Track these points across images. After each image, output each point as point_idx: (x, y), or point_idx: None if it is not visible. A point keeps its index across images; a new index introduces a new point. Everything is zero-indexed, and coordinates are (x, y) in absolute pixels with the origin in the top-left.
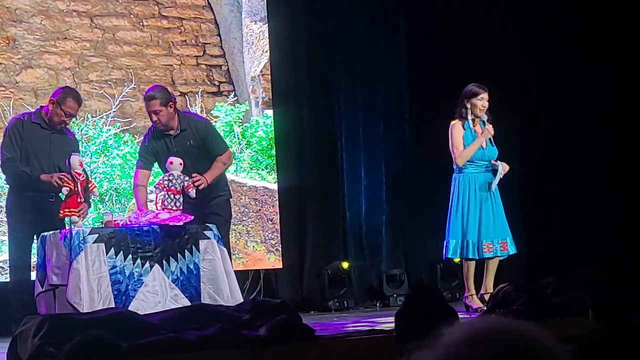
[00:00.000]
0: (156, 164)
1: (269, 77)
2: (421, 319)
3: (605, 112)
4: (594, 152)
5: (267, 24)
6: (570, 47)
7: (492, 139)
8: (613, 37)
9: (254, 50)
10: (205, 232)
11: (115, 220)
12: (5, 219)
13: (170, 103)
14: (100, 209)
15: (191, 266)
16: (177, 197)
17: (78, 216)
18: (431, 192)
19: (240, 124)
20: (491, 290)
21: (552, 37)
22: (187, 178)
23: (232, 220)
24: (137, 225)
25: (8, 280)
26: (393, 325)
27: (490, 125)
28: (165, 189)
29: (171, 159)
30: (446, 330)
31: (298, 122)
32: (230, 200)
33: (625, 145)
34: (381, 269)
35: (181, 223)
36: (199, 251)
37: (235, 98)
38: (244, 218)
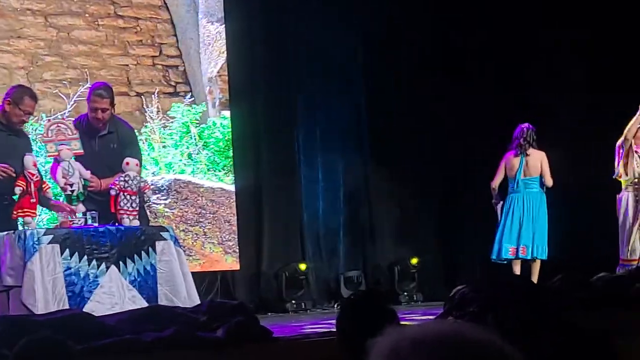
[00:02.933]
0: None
1: (226, 78)
2: (361, 324)
3: None
4: None
5: (224, 25)
6: None
7: None
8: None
9: (210, 51)
10: (161, 233)
11: (71, 221)
12: None
13: (114, 104)
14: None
15: (148, 267)
16: (133, 198)
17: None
18: (390, 193)
19: (197, 125)
20: None
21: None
22: (143, 179)
23: (189, 222)
24: (92, 226)
25: None
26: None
27: None
28: (121, 190)
29: (127, 159)
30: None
31: (255, 124)
32: None
33: None
34: (339, 271)
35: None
36: (155, 252)
37: (192, 99)
38: (201, 219)
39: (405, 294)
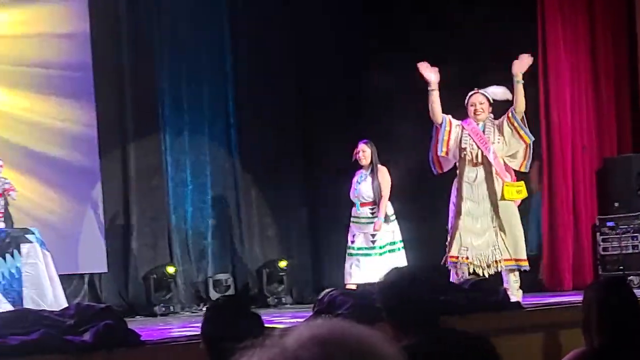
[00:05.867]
0: None
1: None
2: (226, 328)
3: None
4: None
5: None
6: None
7: None
8: None
9: None
10: (27, 235)
11: None
12: None
13: None
14: None
15: (13, 270)
16: None
17: None
18: (259, 196)
19: None
20: None
21: None
22: (7, 181)
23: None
24: None
25: None
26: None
27: None
28: None
29: None
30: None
31: (121, 125)
32: None
33: None
34: (207, 274)
35: None
36: (20, 255)
37: None
38: None
39: (274, 296)
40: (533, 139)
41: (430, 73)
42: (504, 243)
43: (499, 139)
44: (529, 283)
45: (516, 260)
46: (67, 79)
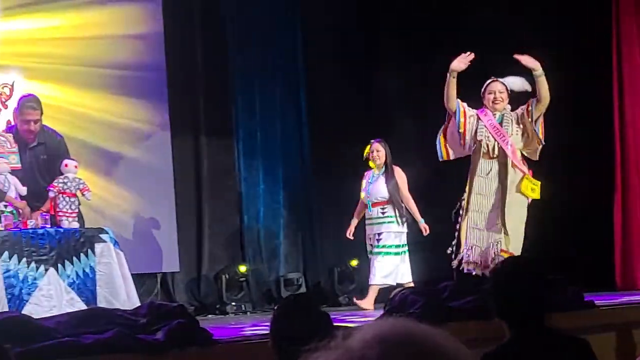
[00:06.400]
0: None
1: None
2: (294, 327)
3: None
4: None
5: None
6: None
7: None
8: None
9: None
10: (100, 235)
11: (15, 223)
12: None
13: (42, 115)
14: None
15: (87, 269)
16: (72, 200)
17: None
18: (330, 195)
19: None
20: None
21: None
22: (82, 181)
23: None
24: (32, 228)
25: None
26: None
27: None
28: (60, 192)
29: (66, 161)
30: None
31: (194, 125)
32: None
33: None
34: (279, 273)
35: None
36: (94, 254)
37: None
38: None
39: (345, 295)
40: (543, 143)
41: (459, 63)
42: (505, 241)
43: (517, 130)
44: (601, 282)
45: None
46: (141, 79)
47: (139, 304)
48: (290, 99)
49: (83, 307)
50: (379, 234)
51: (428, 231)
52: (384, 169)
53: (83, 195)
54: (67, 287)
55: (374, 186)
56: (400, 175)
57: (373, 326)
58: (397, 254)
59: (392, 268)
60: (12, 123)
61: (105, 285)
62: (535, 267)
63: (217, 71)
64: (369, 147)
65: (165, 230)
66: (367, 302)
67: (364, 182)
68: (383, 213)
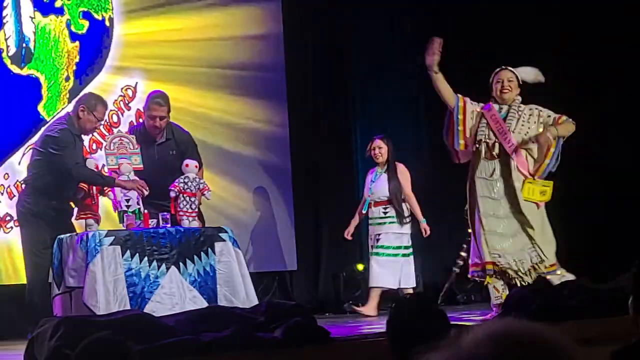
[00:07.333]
0: None
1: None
2: (411, 326)
3: None
4: None
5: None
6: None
7: None
8: None
9: None
10: (220, 234)
11: (137, 223)
12: (19, 222)
13: (169, 113)
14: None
15: (207, 268)
16: (192, 199)
17: (94, 219)
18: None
19: None
20: None
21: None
22: (202, 180)
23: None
24: (152, 227)
25: (25, 282)
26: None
27: None
28: (181, 192)
29: (187, 161)
30: (458, 333)
31: (313, 125)
32: None
33: None
34: None
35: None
36: (214, 253)
37: None
38: None
39: (463, 294)
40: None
41: (430, 56)
42: (539, 245)
43: (521, 127)
44: None
45: (552, 265)
46: (261, 80)
47: (258, 302)
48: (408, 98)
49: (205, 305)
50: (378, 235)
51: (428, 232)
52: (386, 166)
53: (203, 194)
54: (189, 285)
55: (376, 185)
56: (403, 173)
57: (484, 325)
58: (396, 255)
59: (392, 270)
60: (135, 124)
61: (225, 284)
62: None
63: (336, 71)
64: (371, 143)
65: (283, 229)
66: (369, 308)
67: (367, 180)
68: (385, 213)
